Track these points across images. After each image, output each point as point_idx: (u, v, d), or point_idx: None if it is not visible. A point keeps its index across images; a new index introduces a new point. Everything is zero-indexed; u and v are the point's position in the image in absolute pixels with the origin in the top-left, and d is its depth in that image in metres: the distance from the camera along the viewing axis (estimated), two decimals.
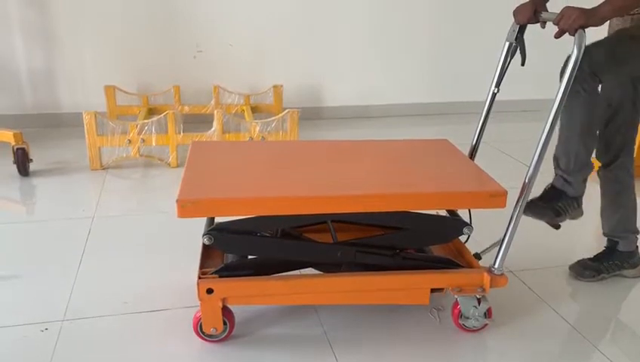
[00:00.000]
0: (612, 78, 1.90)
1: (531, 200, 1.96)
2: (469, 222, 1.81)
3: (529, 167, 1.73)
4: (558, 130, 1.93)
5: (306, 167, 1.88)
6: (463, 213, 1.88)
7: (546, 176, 1.95)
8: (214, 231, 1.66)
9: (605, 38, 1.90)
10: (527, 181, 1.74)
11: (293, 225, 1.81)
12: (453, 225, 1.80)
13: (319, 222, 1.90)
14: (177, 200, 1.54)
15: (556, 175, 1.98)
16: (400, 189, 1.71)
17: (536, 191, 1.83)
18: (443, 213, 1.92)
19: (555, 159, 1.97)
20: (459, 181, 1.80)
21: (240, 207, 1.62)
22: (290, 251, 1.77)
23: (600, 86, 1.86)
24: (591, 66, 1.78)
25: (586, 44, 1.63)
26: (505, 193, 1.68)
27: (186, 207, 1.55)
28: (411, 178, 1.82)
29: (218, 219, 1.74)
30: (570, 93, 1.77)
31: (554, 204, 1.94)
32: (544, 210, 1.94)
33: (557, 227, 1.99)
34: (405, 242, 1.83)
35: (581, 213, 1.99)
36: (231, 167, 1.84)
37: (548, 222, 1.98)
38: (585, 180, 1.96)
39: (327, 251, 1.77)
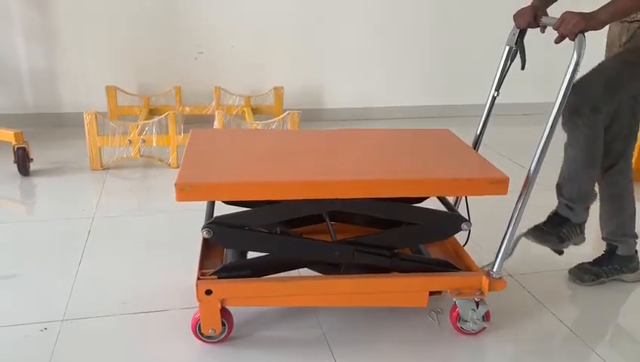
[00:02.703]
0: (612, 105, 1.92)
1: (535, 226, 2.02)
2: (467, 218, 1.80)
3: (528, 171, 1.73)
4: (563, 161, 1.98)
5: (305, 153, 1.87)
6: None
7: (547, 178, 1.95)
8: (213, 224, 1.65)
9: (597, 69, 1.90)
10: (529, 175, 1.73)
11: (291, 216, 1.78)
12: (451, 221, 1.78)
13: (318, 213, 1.87)
14: (176, 184, 1.53)
15: (559, 202, 2.02)
16: (401, 175, 1.70)
17: (536, 194, 1.83)
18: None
19: (558, 187, 2.01)
20: (460, 168, 1.78)
21: (238, 191, 1.60)
22: (288, 248, 1.76)
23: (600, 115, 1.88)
24: (589, 102, 1.82)
25: (584, 51, 1.63)
26: (506, 180, 1.66)
27: (185, 191, 1.54)
28: (412, 165, 1.81)
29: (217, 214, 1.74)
30: (572, 128, 1.84)
31: (558, 231, 1.99)
32: (548, 236, 1.99)
33: (560, 253, 2.04)
34: (404, 239, 1.82)
35: (583, 239, 2.05)
36: (230, 153, 1.83)
37: (551, 248, 2.02)
38: (588, 208, 2.02)
39: (325, 249, 1.76)
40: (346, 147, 1.94)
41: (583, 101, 1.83)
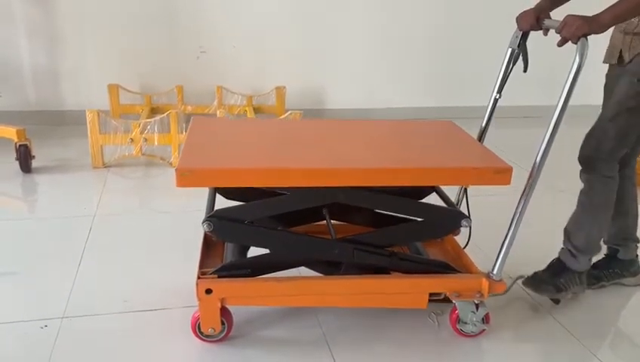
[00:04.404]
0: (624, 150, 1.93)
1: (535, 274, 2.02)
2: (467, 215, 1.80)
3: (529, 176, 1.73)
4: (575, 207, 1.99)
5: (307, 142, 1.87)
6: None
7: (549, 179, 1.94)
8: (213, 217, 1.65)
9: (605, 121, 1.90)
10: (531, 176, 1.73)
11: (292, 208, 1.77)
12: (451, 217, 1.78)
13: (318, 206, 1.86)
14: (176, 169, 1.53)
15: (564, 248, 2.02)
16: (405, 164, 1.69)
17: (537, 197, 1.83)
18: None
19: (567, 233, 2.01)
20: (463, 157, 1.77)
21: (239, 177, 1.59)
22: (288, 243, 1.75)
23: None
24: (604, 155, 1.87)
25: (587, 54, 1.63)
26: (510, 169, 1.66)
27: (185, 176, 1.53)
28: (415, 154, 1.80)
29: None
30: (588, 179, 1.88)
31: (556, 280, 1.98)
32: (545, 286, 1.98)
33: (557, 302, 2.03)
34: (403, 235, 1.82)
35: (583, 290, 2.04)
36: (231, 140, 1.83)
37: (549, 297, 2.02)
38: (591, 259, 2.02)
39: (324, 247, 1.75)
40: (349, 136, 1.94)
41: (597, 153, 1.88)
